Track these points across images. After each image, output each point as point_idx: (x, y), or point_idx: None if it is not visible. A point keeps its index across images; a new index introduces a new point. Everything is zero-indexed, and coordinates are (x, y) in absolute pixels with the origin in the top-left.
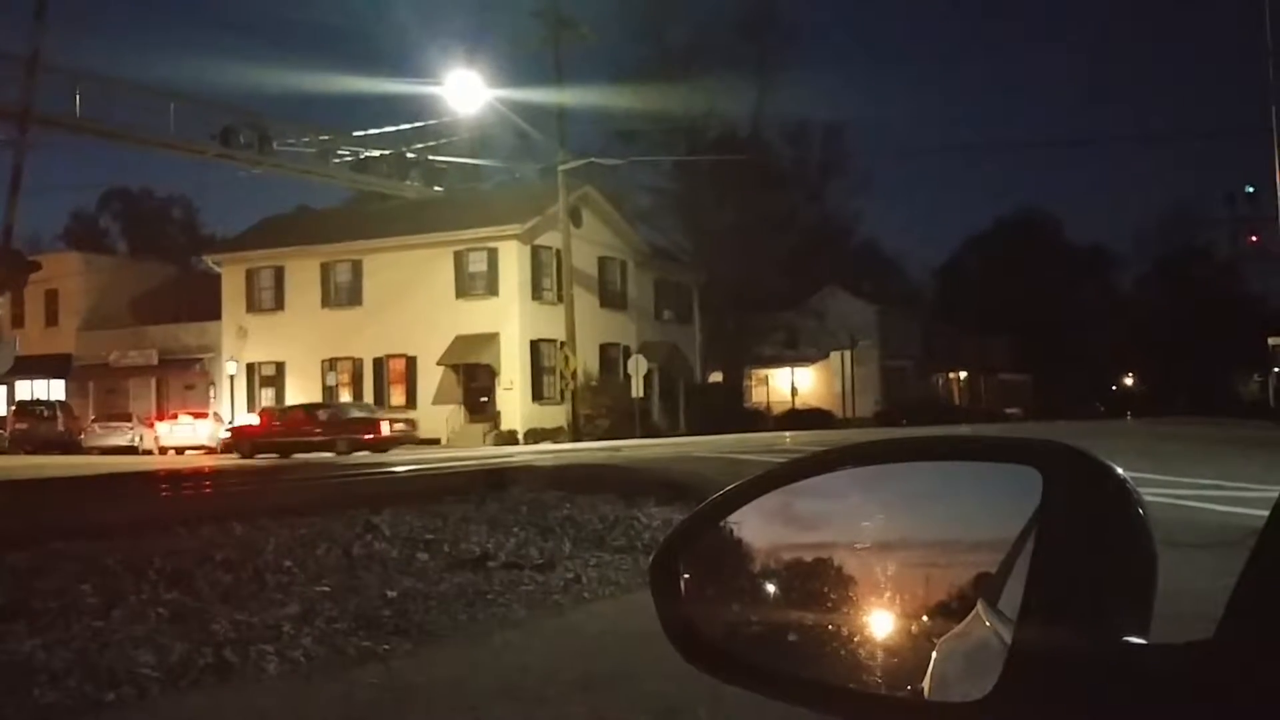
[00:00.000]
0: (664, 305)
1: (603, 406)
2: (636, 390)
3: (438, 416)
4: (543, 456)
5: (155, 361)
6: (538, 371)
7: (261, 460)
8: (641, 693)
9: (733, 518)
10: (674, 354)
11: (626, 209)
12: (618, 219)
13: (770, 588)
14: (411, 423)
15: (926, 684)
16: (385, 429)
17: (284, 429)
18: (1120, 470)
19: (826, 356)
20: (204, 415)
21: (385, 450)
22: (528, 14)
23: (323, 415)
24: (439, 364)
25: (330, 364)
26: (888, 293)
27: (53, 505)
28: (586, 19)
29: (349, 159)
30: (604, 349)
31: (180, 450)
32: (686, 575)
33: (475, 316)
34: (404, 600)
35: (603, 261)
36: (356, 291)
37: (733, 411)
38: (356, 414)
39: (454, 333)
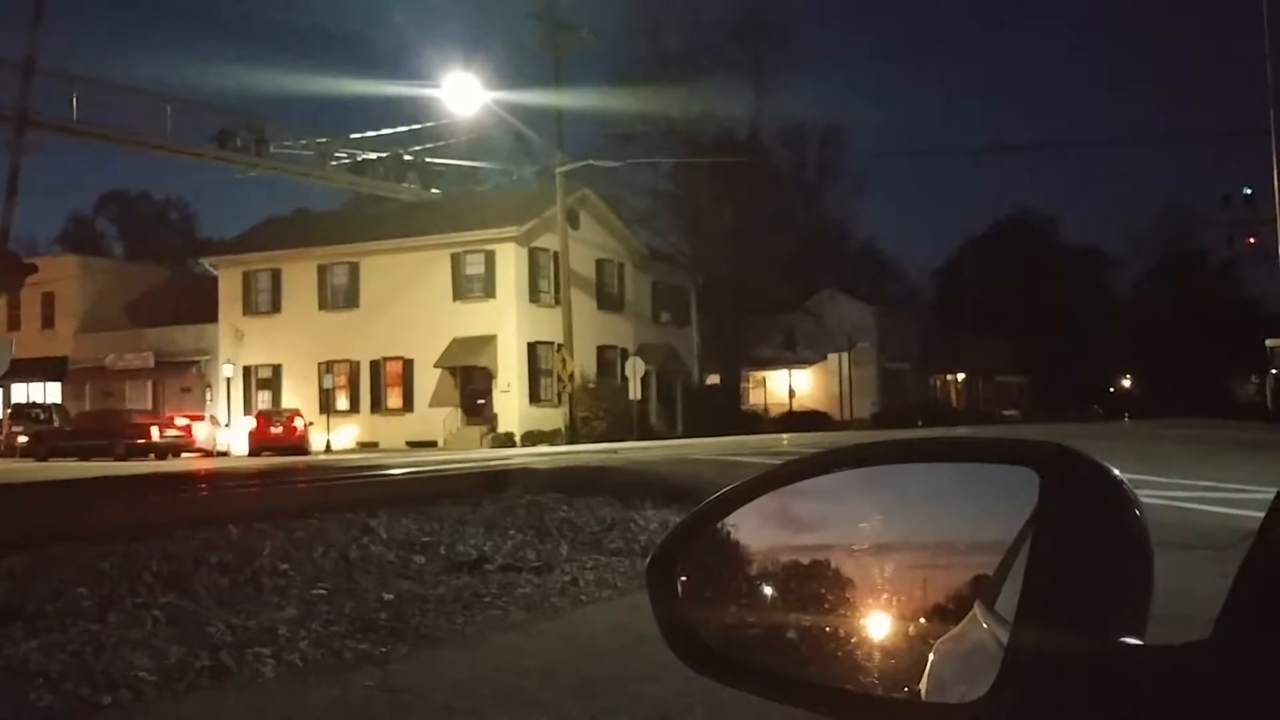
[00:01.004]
0: (662, 307)
1: (600, 409)
2: (634, 392)
3: (435, 419)
4: (540, 459)
5: (152, 364)
6: (535, 374)
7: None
8: (639, 696)
9: (730, 519)
10: (672, 356)
11: (624, 211)
12: (615, 221)
13: (767, 589)
14: (188, 429)
15: (924, 685)
16: (155, 434)
17: (75, 433)
18: (1117, 471)
19: (824, 358)
20: (200, 418)
21: (165, 456)
22: (525, 16)
23: (105, 421)
24: (436, 366)
25: (327, 366)
26: (886, 295)
27: (48, 508)
28: (584, 22)
29: (346, 161)
30: (601, 351)
31: (176, 452)
32: (684, 577)
33: (472, 319)
34: (401, 603)
35: (600, 264)
36: (353, 294)
37: (730, 413)
38: (133, 420)
39: (451, 335)
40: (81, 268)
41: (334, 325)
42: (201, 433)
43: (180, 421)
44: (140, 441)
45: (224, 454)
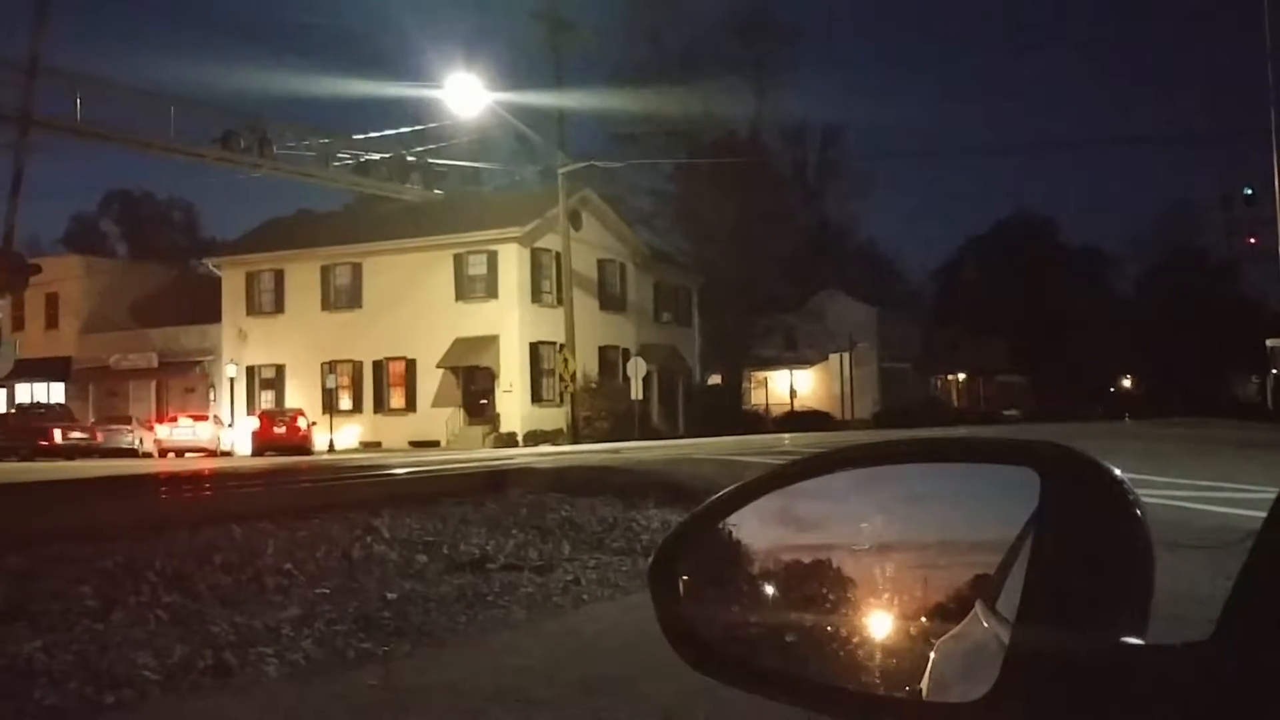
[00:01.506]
0: (663, 307)
1: (602, 409)
2: (636, 392)
3: (437, 419)
4: (542, 459)
5: (155, 364)
6: (537, 374)
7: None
8: (640, 695)
9: (731, 519)
10: (673, 356)
11: (626, 212)
12: (617, 222)
13: (769, 589)
14: (94, 432)
15: (925, 685)
16: (57, 437)
17: None
18: (1118, 471)
19: (825, 358)
20: (204, 418)
21: (71, 458)
22: (527, 17)
23: (7, 422)
24: (439, 366)
25: (330, 367)
26: (886, 295)
27: (50, 508)
28: (585, 23)
29: (349, 162)
30: (603, 351)
31: (180, 453)
32: (685, 577)
33: (475, 319)
34: (403, 602)
35: (602, 264)
36: (356, 294)
37: (732, 413)
38: (37, 423)
39: (453, 335)
40: (85, 268)
41: (337, 325)
42: (205, 433)
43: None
44: (43, 444)
45: (228, 454)
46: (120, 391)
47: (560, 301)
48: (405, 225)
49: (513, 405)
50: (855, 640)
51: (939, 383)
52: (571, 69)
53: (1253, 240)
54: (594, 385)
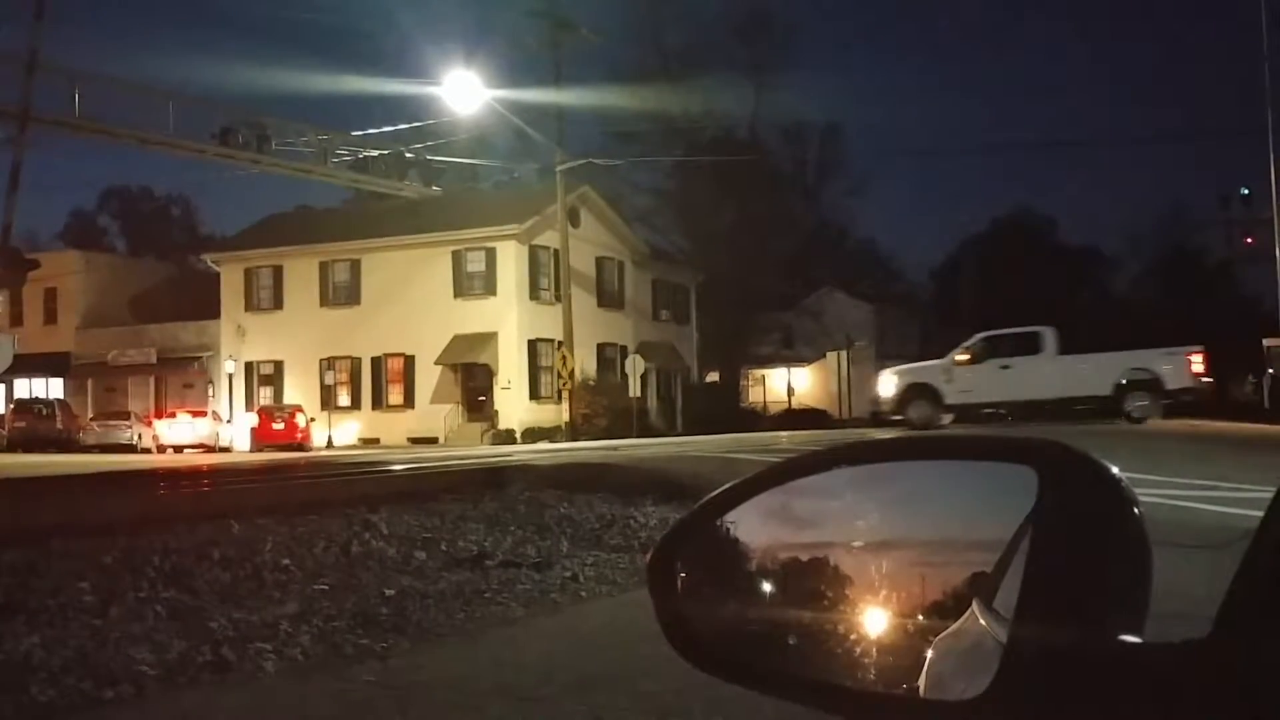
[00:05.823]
0: (661, 305)
1: (600, 406)
2: (634, 390)
3: (436, 415)
4: (540, 456)
5: (154, 360)
6: (535, 371)
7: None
8: (639, 692)
9: (730, 516)
10: (671, 354)
11: (624, 209)
12: (616, 219)
13: (767, 586)
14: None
15: (922, 682)
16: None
17: None
18: (1115, 470)
19: (823, 356)
20: (202, 414)
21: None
22: (526, 14)
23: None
24: (437, 363)
25: (328, 363)
26: (884, 293)
27: (48, 503)
28: (585, 20)
29: (348, 159)
30: (601, 349)
31: (179, 448)
32: (683, 573)
33: (473, 316)
34: (402, 598)
35: (600, 261)
36: (355, 290)
37: (730, 411)
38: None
39: (452, 332)
40: (84, 263)
41: (336, 321)
42: (204, 428)
43: None
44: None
45: (226, 450)
46: (119, 387)
47: (558, 299)
48: (403, 222)
49: (511, 402)
50: (853, 637)
51: None
52: (570, 67)
53: (1250, 240)
54: (592, 382)
